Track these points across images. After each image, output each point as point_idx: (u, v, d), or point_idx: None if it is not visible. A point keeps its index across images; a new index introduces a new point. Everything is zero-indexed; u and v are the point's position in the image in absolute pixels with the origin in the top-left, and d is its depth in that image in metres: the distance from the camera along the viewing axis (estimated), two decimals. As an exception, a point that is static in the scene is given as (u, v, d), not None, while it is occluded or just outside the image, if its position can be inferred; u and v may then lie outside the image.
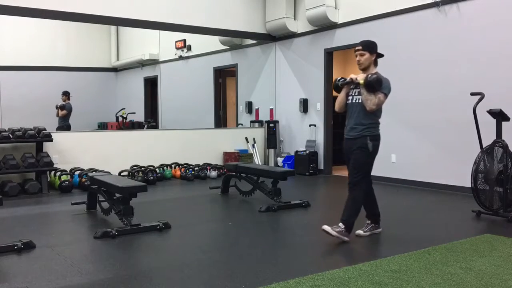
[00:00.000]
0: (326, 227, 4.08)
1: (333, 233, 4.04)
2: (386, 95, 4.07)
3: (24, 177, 6.97)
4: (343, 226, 4.07)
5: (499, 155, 4.93)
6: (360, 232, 4.30)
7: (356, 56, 4.20)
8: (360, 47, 4.18)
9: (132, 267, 3.58)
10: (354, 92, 4.20)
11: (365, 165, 4.19)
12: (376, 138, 4.14)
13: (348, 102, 4.26)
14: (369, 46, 4.20)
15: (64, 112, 10.05)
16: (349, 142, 4.22)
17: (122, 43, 13.48)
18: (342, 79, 4.28)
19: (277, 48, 9.68)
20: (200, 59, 11.23)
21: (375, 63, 4.22)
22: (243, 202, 6.13)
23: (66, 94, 10.26)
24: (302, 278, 3.18)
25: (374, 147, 4.14)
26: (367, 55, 4.16)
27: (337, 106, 4.38)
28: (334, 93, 9.13)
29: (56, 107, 10.15)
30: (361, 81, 4.05)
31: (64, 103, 10.14)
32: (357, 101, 4.16)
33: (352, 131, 4.20)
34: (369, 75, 4.03)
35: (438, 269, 3.36)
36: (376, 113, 4.13)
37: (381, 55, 4.25)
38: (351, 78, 4.18)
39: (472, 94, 5.25)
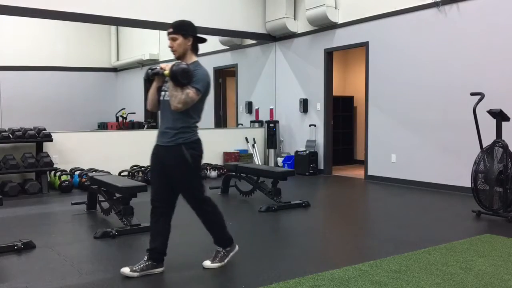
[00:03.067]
0: (206, 263, 3.44)
1: (216, 265, 3.43)
2: (198, 92, 3.18)
3: (24, 177, 6.96)
4: (221, 249, 3.49)
5: (499, 155, 4.92)
6: (125, 270, 3.29)
7: (169, 41, 3.33)
8: (170, 30, 3.30)
9: (132, 267, 3.58)
10: (166, 86, 3.28)
11: (196, 179, 3.37)
12: (193, 146, 3.28)
13: (161, 99, 3.34)
14: (182, 28, 3.30)
15: None
16: (161, 150, 3.30)
17: (122, 43, 13.47)
18: (153, 69, 3.34)
19: (277, 48, 9.68)
20: (200, 59, 11.19)
21: (194, 50, 3.37)
22: (243, 202, 6.13)
23: None
24: (302, 278, 3.18)
25: (194, 157, 3.28)
26: (180, 39, 3.27)
27: (148, 103, 3.41)
28: (335, 93, 9.31)
29: None
30: (166, 72, 3.18)
31: None
32: (168, 98, 3.26)
33: (163, 137, 3.28)
34: (175, 64, 3.17)
35: (438, 269, 3.36)
36: (190, 113, 3.24)
37: (202, 40, 3.39)
38: (161, 68, 3.25)
39: (472, 94, 5.26)
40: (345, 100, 10.31)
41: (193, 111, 3.25)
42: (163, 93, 3.32)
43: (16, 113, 10.31)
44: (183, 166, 3.25)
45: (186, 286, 3.18)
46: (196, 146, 3.31)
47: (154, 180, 3.40)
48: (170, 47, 3.31)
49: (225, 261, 3.48)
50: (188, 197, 3.37)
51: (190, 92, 3.15)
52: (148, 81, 3.37)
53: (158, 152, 3.33)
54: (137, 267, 3.30)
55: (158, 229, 3.36)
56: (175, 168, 3.27)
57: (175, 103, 3.14)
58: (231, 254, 3.54)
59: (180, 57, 3.31)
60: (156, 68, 3.29)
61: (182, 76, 3.13)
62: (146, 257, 3.35)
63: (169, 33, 3.30)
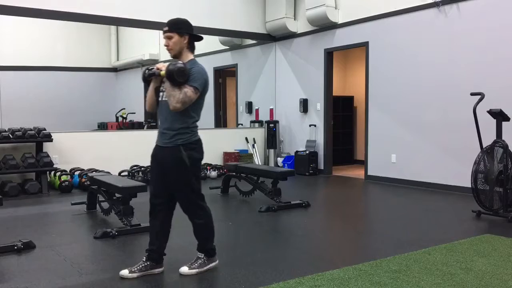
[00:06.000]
0: (184, 269, 3.34)
1: (194, 271, 3.34)
2: (196, 90, 3.15)
3: (24, 177, 6.96)
4: (202, 255, 3.41)
5: (499, 155, 4.93)
6: (124, 272, 3.30)
7: (164, 39, 3.28)
8: (166, 28, 3.25)
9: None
10: (164, 87, 3.25)
11: (193, 181, 3.29)
12: (192, 147, 3.24)
13: (159, 99, 3.32)
14: (178, 26, 3.25)
15: None
16: (160, 151, 3.29)
17: (122, 43, 13.47)
18: (150, 69, 3.30)
19: (277, 48, 9.68)
20: (200, 59, 11.16)
21: (190, 48, 3.33)
22: (243, 202, 6.13)
23: None
24: (302, 278, 3.18)
25: (192, 159, 3.24)
26: (176, 37, 3.23)
27: (147, 104, 3.40)
28: (335, 93, 9.31)
29: None
30: (162, 72, 3.17)
31: None
32: (166, 98, 3.23)
33: (162, 138, 3.27)
34: (171, 64, 3.13)
35: (438, 269, 3.36)
36: (190, 113, 3.21)
37: (199, 38, 3.35)
38: (158, 68, 3.24)
39: (472, 94, 5.26)
40: (345, 100, 10.31)
41: (192, 110, 3.22)
42: (161, 93, 3.29)
43: (16, 113, 10.30)
44: (181, 167, 3.21)
45: (186, 286, 3.18)
46: (196, 147, 3.27)
47: (153, 180, 3.39)
48: (165, 45, 3.27)
49: (204, 268, 3.38)
50: (182, 199, 3.33)
51: (188, 91, 3.12)
52: (145, 81, 3.34)
53: (157, 153, 3.32)
54: (135, 268, 3.30)
55: (157, 229, 3.37)
56: (173, 170, 3.24)
57: (174, 103, 3.11)
58: (211, 265, 3.43)
59: (176, 55, 3.28)
60: (152, 68, 3.26)
61: (179, 75, 3.09)
62: (145, 257, 3.36)
63: (164, 32, 3.26)
